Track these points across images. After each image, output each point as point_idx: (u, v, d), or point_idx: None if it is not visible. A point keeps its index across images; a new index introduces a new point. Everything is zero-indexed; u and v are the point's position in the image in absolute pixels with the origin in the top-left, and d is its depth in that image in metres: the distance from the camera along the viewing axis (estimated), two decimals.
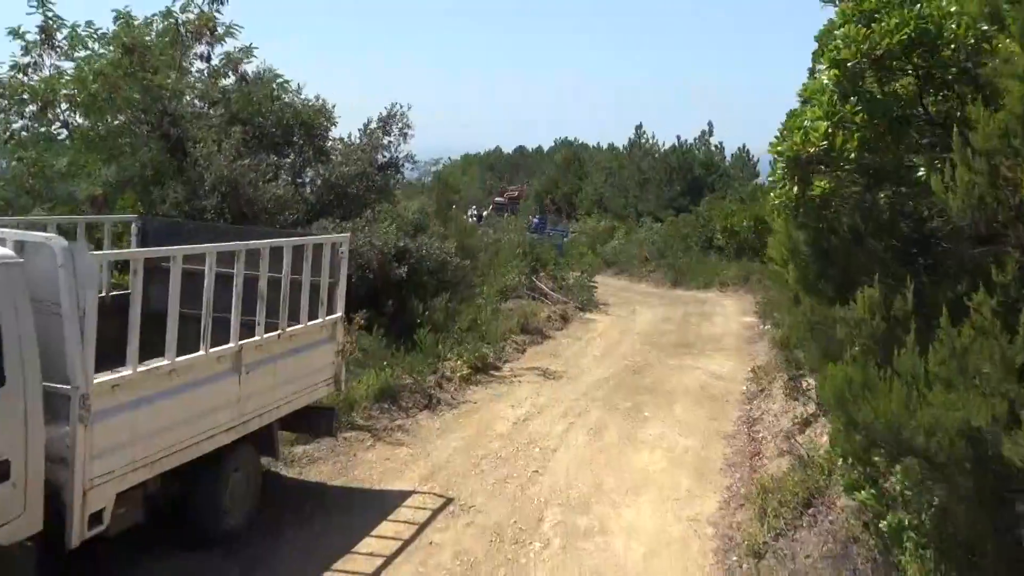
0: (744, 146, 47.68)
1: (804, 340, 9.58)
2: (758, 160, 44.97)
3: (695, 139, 46.81)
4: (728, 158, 47.71)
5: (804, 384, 10.76)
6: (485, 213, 50.45)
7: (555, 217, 50.85)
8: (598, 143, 59.77)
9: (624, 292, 28.02)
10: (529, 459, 10.35)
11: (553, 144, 66.96)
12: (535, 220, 47.79)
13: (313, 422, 9.19)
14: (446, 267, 15.44)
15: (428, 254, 15.01)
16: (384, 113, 16.18)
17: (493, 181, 65.05)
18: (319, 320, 8.69)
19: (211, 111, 15.20)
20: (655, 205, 43.37)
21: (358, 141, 16.03)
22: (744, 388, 13.59)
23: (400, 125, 16.20)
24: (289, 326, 7.95)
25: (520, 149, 72.91)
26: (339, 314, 9.21)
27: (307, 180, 15.45)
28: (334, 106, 16.02)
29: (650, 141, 47.92)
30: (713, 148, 47.45)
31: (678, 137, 45.69)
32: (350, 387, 11.50)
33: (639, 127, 47.93)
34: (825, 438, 9.15)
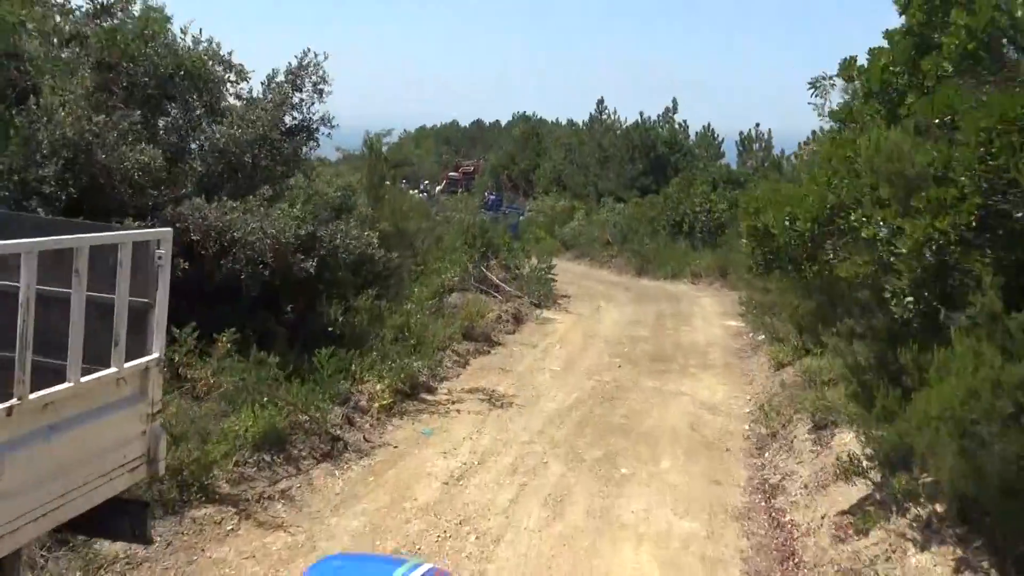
0: (709, 125, 44.15)
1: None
2: (723, 140, 41.62)
3: (658, 116, 43.27)
4: (692, 136, 44.21)
5: (857, 454, 7.34)
6: (438, 189, 46.59)
7: (512, 195, 47.23)
8: (557, 119, 56.07)
9: (585, 280, 24.57)
10: (459, 555, 6.88)
11: (512, 118, 63.13)
12: (491, 197, 44.12)
13: (112, 523, 5.55)
14: (373, 260, 11.82)
15: (344, 244, 11.36)
16: (294, 64, 12.40)
17: (449, 155, 61.17)
18: (112, 371, 5.01)
19: (64, 52, 11.32)
20: (616, 184, 39.87)
21: (262, 98, 12.20)
22: (747, 429, 10.21)
23: (314, 79, 12.44)
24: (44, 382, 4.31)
25: (477, 123, 68.85)
26: (154, 356, 5.52)
27: (196, 146, 11.66)
28: (231, 53, 12.19)
29: (611, 117, 44.30)
30: (677, 126, 43.93)
31: (641, 113, 42.04)
32: (210, 440, 7.91)
33: (600, 102, 44.29)
34: (918, 558, 5.79)
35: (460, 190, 45.94)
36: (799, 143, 36.18)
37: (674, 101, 44.49)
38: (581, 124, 48.50)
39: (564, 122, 54.08)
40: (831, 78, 19.62)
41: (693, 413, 10.79)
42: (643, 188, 38.41)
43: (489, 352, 13.84)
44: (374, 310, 12.28)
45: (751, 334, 14.93)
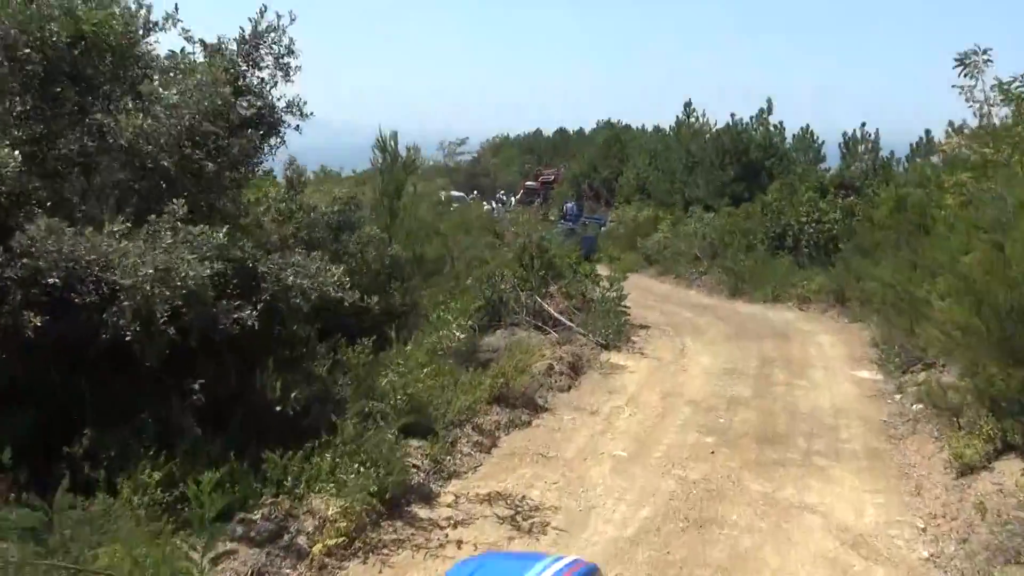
0: (808, 126, 38.57)
1: None
2: (823, 142, 36.12)
3: (752, 118, 38.03)
4: (789, 140, 38.70)
5: None
6: (515, 199, 42.57)
7: (593, 204, 42.83)
8: (643, 125, 51.33)
9: (668, 304, 20.09)
10: None
11: (596, 126, 58.64)
12: (569, 206, 39.87)
13: None
14: (340, 305, 7.79)
15: (299, 284, 7.38)
16: (247, 31, 8.52)
17: (532, 165, 57.16)
18: None
19: None
20: (706, 192, 35.03)
21: (200, 79, 8.33)
22: None
23: (277, 51, 8.55)
24: None
25: (561, 131, 64.54)
26: None
27: (92, 144, 7.90)
28: (167, 18, 8.39)
29: (700, 120, 39.39)
30: (772, 128, 38.55)
31: (732, 115, 36.98)
32: None
33: (688, 104, 39.39)
34: None
35: (538, 200, 41.82)
36: (911, 144, 30.80)
37: (768, 102, 39.06)
38: (668, 129, 43.61)
39: (651, 129, 49.44)
40: (986, 51, 14.58)
41: (831, 556, 6.35)
42: (735, 196, 33.47)
43: (529, 423, 9.64)
44: (357, 371, 8.27)
45: (899, 396, 10.29)
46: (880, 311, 12.77)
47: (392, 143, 11.85)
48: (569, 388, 11.14)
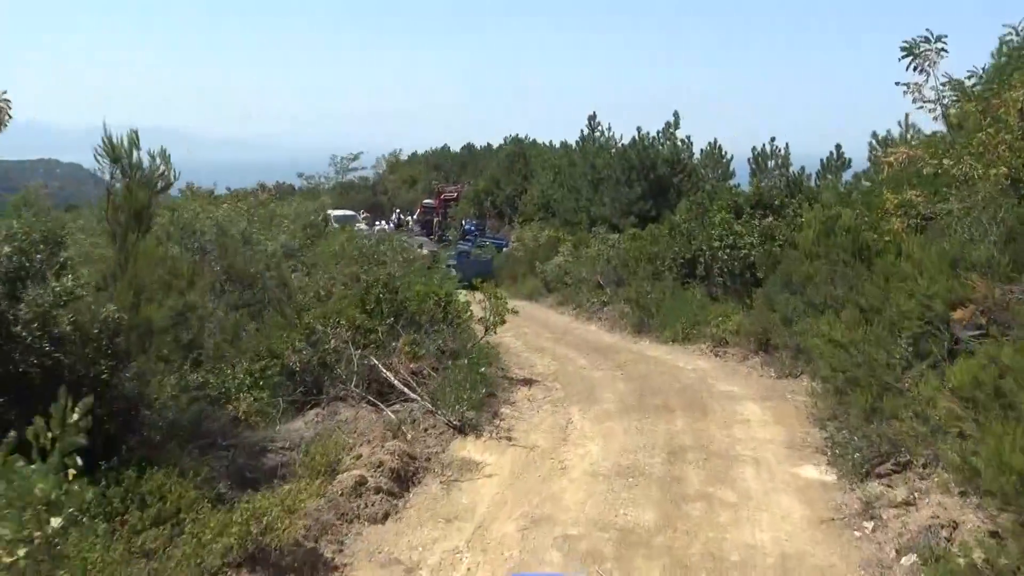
0: (715, 141, 35.34)
1: None
2: (731, 157, 33.13)
3: (658, 132, 34.74)
4: (697, 155, 35.40)
5: None
6: (412, 219, 38.40)
7: (496, 222, 39.03)
8: (551, 141, 47.72)
9: (563, 344, 16.31)
10: None
11: (503, 142, 54.92)
12: (469, 226, 35.99)
13: None
14: None
15: None
16: None
17: (438, 181, 53.05)
18: None
19: None
20: (611, 210, 31.64)
21: None
22: None
23: None
24: None
25: (468, 147, 60.62)
26: None
27: None
28: None
29: (605, 134, 36.02)
30: (680, 143, 35.25)
31: (638, 129, 33.70)
32: None
33: (592, 117, 35.98)
34: None
35: (436, 219, 37.77)
36: (821, 159, 27.96)
37: (675, 115, 35.83)
38: (574, 144, 39.96)
39: (558, 144, 45.91)
40: (940, 39, 11.27)
41: None
42: (642, 214, 30.15)
43: None
44: None
45: (870, 526, 6.62)
46: (825, 378, 9.16)
47: (128, 150, 7.62)
48: (386, 516, 7.09)
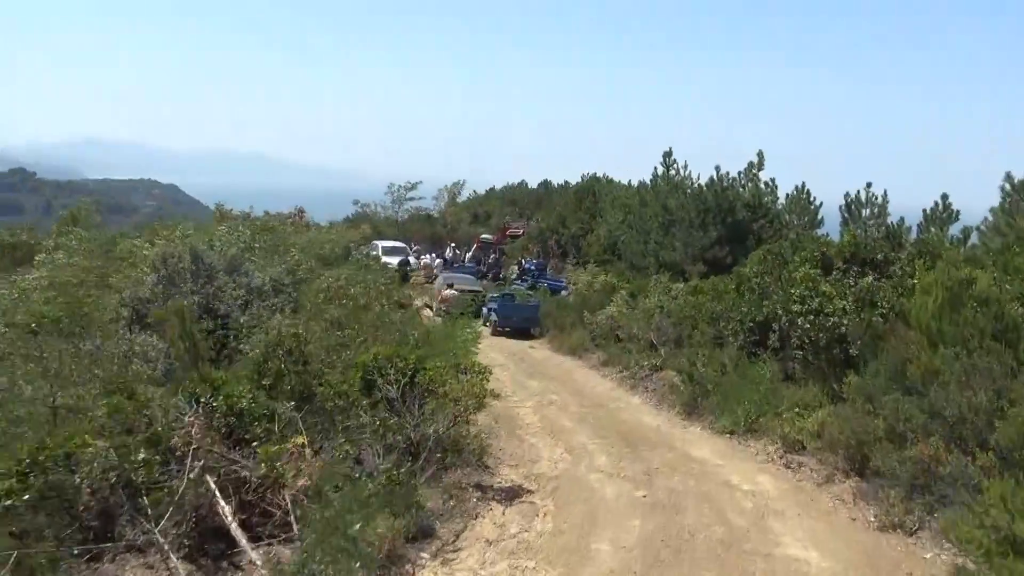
0: (803, 185, 30.27)
1: None
2: (820, 204, 28.22)
3: (739, 172, 30.12)
4: (781, 200, 30.43)
5: None
6: (467, 256, 34.84)
7: (559, 263, 35.07)
8: (629, 180, 43.40)
9: (587, 427, 12.26)
10: None
11: (581, 179, 50.97)
12: (529, 265, 32.11)
13: None
14: None
15: None
16: None
17: (510, 216, 49.55)
18: None
19: None
20: (682, 255, 27.31)
21: None
22: None
23: None
24: None
25: (545, 183, 56.97)
26: None
27: None
28: None
29: (681, 173, 31.51)
30: (763, 186, 30.46)
31: (716, 168, 29.27)
32: None
33: (668, 154, 31.65)
34: None
35: (493, 256, 34.11)
36: (924, 209, 23.07)
37: (760, 155, 31.25)
38: (648, 183, 35.42)
39: (635, 182, 41.55)
40: None
41: None
42: (715, 262, 25.75)
43: None
44: None
45: None
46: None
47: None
48: None
